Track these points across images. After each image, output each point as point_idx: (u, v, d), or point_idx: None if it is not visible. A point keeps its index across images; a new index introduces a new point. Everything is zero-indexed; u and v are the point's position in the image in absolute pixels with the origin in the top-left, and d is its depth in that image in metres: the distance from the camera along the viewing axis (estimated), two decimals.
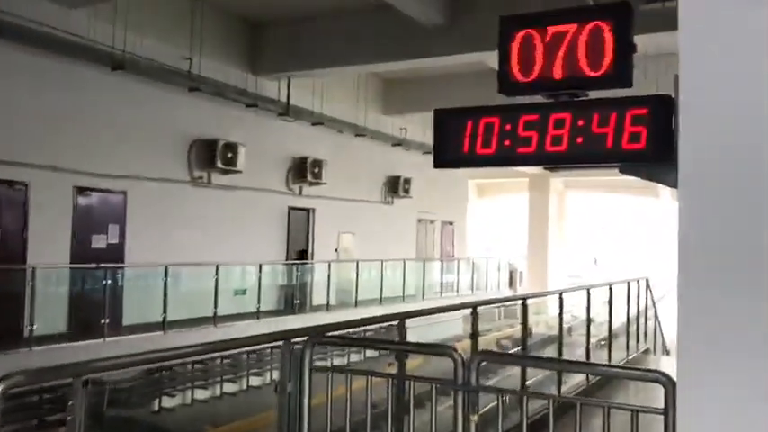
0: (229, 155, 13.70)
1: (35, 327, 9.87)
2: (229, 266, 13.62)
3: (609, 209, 41.00)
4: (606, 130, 2.65)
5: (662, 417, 2.76)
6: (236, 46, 14.26)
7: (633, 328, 10.93)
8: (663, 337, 12.75)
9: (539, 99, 2.89)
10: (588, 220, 41.22)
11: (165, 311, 11.59)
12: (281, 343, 3.85)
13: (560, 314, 7.95)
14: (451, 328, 15.01)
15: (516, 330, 11.56)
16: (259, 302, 13.74)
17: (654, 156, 2.58)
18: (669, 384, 2.70)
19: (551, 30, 2.76)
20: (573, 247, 36.42)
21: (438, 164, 3.06)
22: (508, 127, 2.83)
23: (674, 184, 2.35)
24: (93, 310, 10.80)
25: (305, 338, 3.83)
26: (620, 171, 2.92)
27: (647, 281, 11.74)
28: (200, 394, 11.43)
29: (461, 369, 3.29)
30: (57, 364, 2.83)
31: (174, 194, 13.19)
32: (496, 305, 12.91)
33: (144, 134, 12.54)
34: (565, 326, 8.53)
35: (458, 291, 21.16)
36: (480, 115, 2.89)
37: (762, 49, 2.11)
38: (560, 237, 33.04)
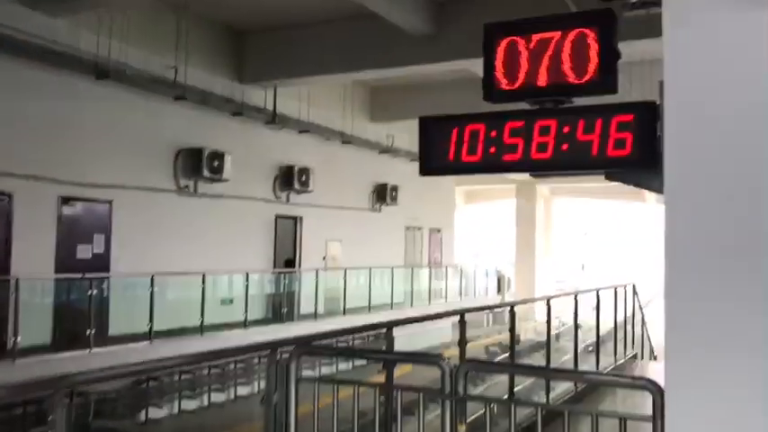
0: (216, 163, 13.64)
1: (19, 338, 9.73)
2: (216, 275, 13.54)
3: (596, 214, 41.26)
4: (591, 137, 2.65)
5: (650, 424, 2.77)
6: (221, 54, 14.22)
7: (621, 334, 10.99)
8: (650, 343, 12.81)
9: (524, 106, 2.89)
10: (575, 226, 41.44)
11: (151, 321, 11.49)
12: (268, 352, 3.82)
13: (548, 321, 7.98)
14: (441, 334, 14.99)
15: (505, 337, 11.56)
16: (246, 312, 13.65)
17: (639, 162, 2.58)
18: (657, 393, 2.70)
19: (536, 37, 2.76)
20: (560, 253, 36.61)
21: (424, 171, 3.05)
22: (494, 134, 2.82)
23: (659, 190, 2.36)
24: (79, 320, 10.67)
25: (292, 348, 3.81)
26: (606, 177, 2.92)
27: (633, 287, 11.82)
28: (188, 404, 11.34)
29: (449, 378, 3.27)
30: (38, 378, 2.79)
31: (161, 203, 13.10)
32: (485, 311, 12.92)
33: (129, 143, 12.46)
34: (553, 332, 8.56)
35: (446, 297, 21.13)
36: (466, 122, 2.88)
37: (746, 56, 2.12)
38: (547, 243, 33.22)
